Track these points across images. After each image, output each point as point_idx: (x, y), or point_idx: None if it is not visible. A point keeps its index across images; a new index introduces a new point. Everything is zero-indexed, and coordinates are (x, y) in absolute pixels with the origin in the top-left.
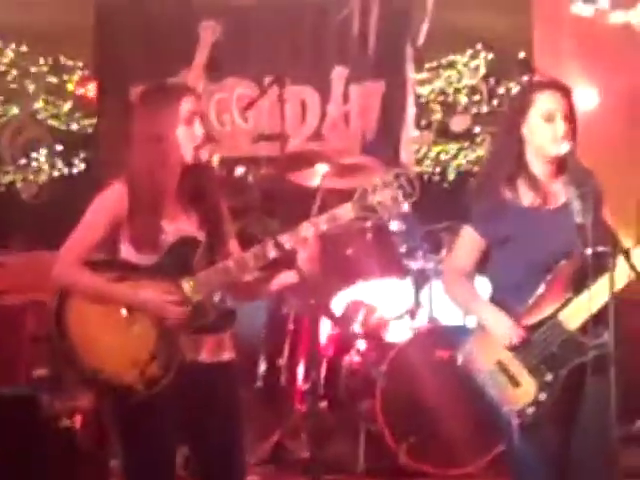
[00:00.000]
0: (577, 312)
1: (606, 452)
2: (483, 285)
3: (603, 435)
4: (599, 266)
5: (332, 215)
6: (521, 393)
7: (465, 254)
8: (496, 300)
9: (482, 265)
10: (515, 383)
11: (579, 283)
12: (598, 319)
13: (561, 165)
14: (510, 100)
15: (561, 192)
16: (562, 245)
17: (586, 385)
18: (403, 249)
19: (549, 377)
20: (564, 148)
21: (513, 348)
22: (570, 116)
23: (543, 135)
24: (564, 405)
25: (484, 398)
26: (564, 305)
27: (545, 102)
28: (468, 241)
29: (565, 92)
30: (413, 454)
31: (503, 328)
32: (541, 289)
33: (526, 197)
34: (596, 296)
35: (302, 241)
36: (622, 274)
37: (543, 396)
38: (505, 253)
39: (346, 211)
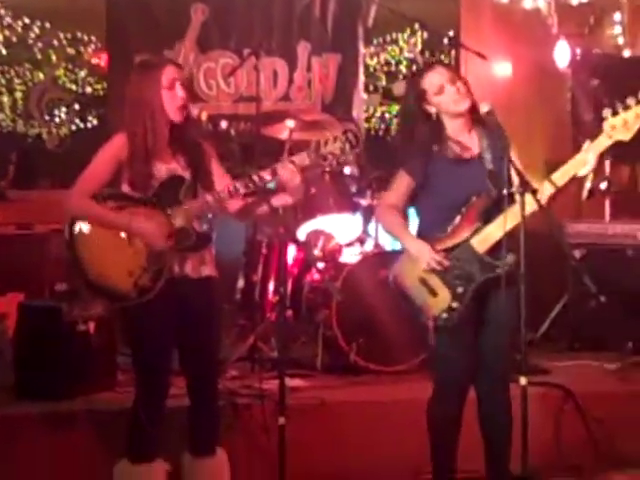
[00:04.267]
0: (485, 238)
1: (511, 351)
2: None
3: (509, 337)
4: (509, 202)
5: (292, 159)
6: (438, 302)
7: (397, 192)
8: (422, 231)
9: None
10: (434, 294)
11: (487, 216)
12: (502, 244)
13: (470, 120)
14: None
15: (475, 144)
16: (475, 187)
17: (498, 296)
18: (354, 189)
19: (460, 289)
20: (464, 104)
21: (431, 269)
22: (454, 78)
23: (446, 102)
24: (475, 312)
25: (414, 309)
26: (475, 232)
27: (430, 82)
28: (399, 181)
29: (439, 66)
30: (361, 354)
31: (422, 254)
32: (457, 220)
33: (450, 151)
34: (500, 226)
35: (264, 179)
36: (529, 206)
37: (455, 304)
38: (429, 192)
39: (303, 157)
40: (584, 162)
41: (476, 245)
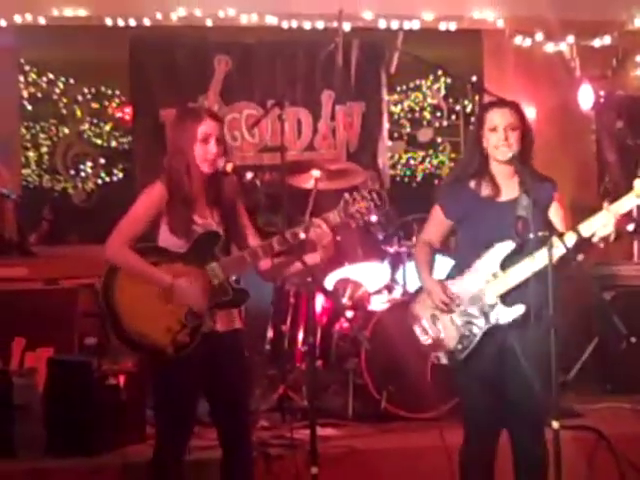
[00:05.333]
0: (500, 285)
1: (540, 394)
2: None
3: (534, 380)
4: (536, 247)
5: (325, 218)
6: (446, 340)
7: (431, 228)
8: (454, 266)
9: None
10: (441, 332)
11: (506, 262)
12: (519, 290)
13: (513, 166)
14: (464, 117)
15: (515, 189)
16: (500, 232)
17: (524, 338)
18: (381, 237)
19: (467, 333)
20: (506, 154)
21: (441, 310)
22: (515, 125)
23: (491, 144)
24: (496, 354)
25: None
26: (490, 279)
27: (490, 118)
28: (434, 217)
29: (510, 106)
30: (391, 401)
31: (433, 293)
32: (476, 263)
33: (485, 190)
34: (516, 275)
35: (298, 238)
36: (558, 253)
37: (460, 347)
38: (462, 232)
39: (334, 216)
40: (607, 220)
41: (489, 291)
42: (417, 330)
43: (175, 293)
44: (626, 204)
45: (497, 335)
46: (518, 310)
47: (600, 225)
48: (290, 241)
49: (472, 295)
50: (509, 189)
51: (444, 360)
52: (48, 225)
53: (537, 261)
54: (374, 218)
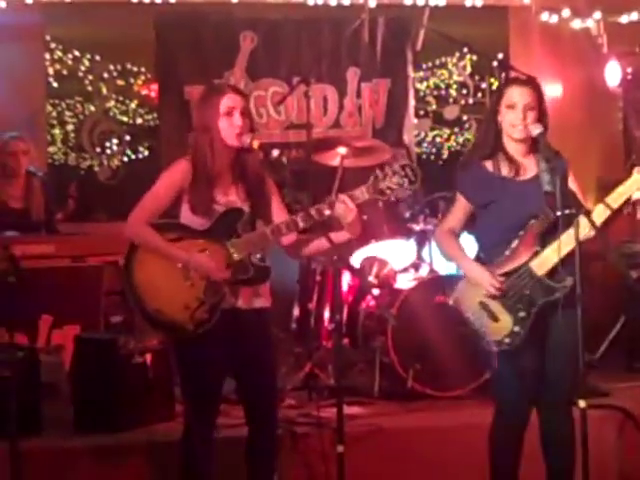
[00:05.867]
0: (544, 262)
1: (573, 373)
2: (470, 242)
3: (571, 360)
4: (565, 225)
5: (351, 195)
6: (500, 327)
7: (454, 216)
8: (482, 253)
9: (470, 226)
10: (495, 319)
11: (545, 239)
12: (561, 267)
13: (531, 145)
14: (490, 95)
15: (533, 166)
16: (532, 208)
17: (558, 318)
18: (408, 215)
19: (522, 314)
20: (525, 132)
21: (491, 296)
22: (533, 105)
23: (507, 121)
24: (536, 335)
25: (473, 334)
26: (533, 256)
27: (510, 94)
28: (458, 205)
29: (530, 85)
30: (418, 380)
31: (483, 280)
32: (515, 244)
33: (504, 169)
34: (559, 249)
35: (323, 215)
36: (584, 229)
37: (517, 329)
38: (488, 215)
39: (362, 193)
40: (637, 183)
41: (535, 269)
42: (471, 319)
43: (192, 267)
44: None
45: (546, 312)
46: (568, 283)
47: (634, 186)
48: (315, 217)
49: (519, 276)
50: (528, 167)
51: (501, 346)
52: (74, 203)
53: (571, 237)
54: (407, 192)
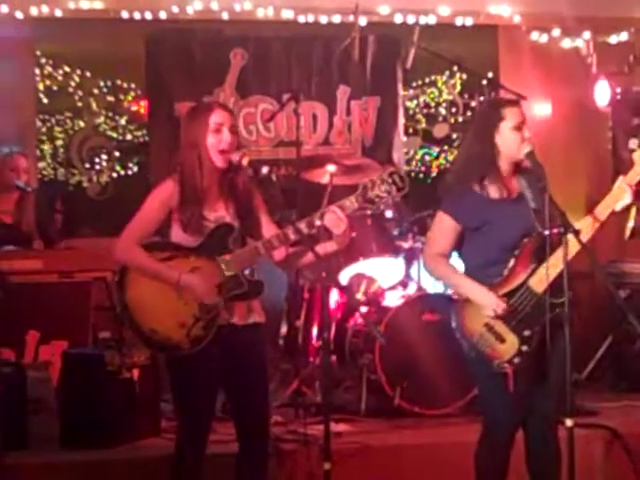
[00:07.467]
0: (542, 279)
1: (560, 392)
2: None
3: (558, 379)
4: (555, 242)
5: (340, 205)
6: (507, 348)
7: (442, 238)
8: (470, 274)
9: (458, 246)
10: (501, 340)
11: (540, 256)
12: (557, 283)
13: (519, 164)
14: (481, 115)
15: (516, 185)
16: (524, 227)
17: (553, 337)
18: (396, 232)
19: (527, 332)
20: (527, 149)
21: (496, 317)
22: (526, 122)
23: (514, 141)
24: (534, 355)
25: (460, 352)
26: (531, 274)
27: (514, 115)
28: (444, 227)
29: (520, 104)
30: (405, 397)
31: (488, 301)
32: (511, 263)
33: (492, 191)
34: (554, 265)
35: (314, 226)
36: (572, 248)
37: (525, 348)
38: (480, 237)
39: (351, 202)
40: (622, 192)
41: (534, 286)
42: (477, 343)
43: (184, 288)
44: (636, 173)
45: (543, 332)
46: (564, 299)
47: (618, 196)
48: (305, 230)
49: (520, 294)
50: (513, 186)
51: (509, 367)
52: (61, 217)
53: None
54: (396, 199)
